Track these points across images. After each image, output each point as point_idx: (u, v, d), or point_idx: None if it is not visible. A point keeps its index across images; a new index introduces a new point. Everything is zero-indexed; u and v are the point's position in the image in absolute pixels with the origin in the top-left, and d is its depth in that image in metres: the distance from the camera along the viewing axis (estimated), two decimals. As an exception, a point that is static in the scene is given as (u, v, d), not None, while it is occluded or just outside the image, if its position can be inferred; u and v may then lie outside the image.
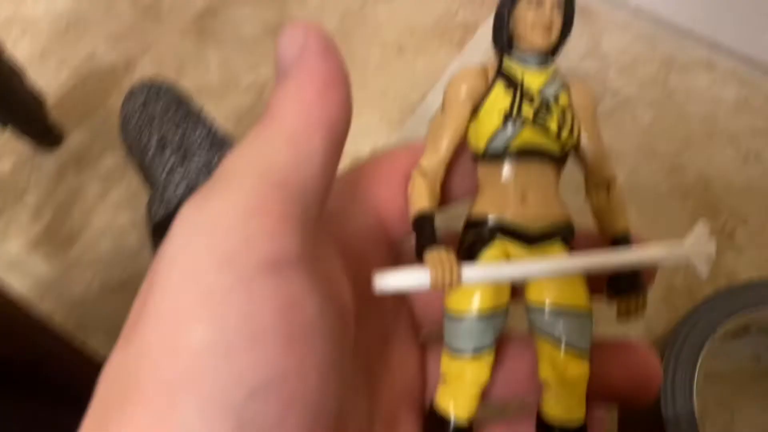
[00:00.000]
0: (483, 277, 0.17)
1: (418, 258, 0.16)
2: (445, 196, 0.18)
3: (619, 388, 0.17)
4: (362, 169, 0.18)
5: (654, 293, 0.39)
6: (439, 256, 0.16)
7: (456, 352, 0.17)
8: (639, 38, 0.48)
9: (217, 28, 0.50)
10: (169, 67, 0.49)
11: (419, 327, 0.20)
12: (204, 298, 0.12)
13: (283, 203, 0.14)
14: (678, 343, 0.32)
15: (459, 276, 0.16)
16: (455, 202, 0.19)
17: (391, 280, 0.16)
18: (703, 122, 0.45)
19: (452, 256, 0.16)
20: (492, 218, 0.17)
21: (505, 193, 0.17)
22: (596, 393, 0.17)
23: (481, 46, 0.49)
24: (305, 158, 0.14)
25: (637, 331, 0.39)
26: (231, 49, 0.49)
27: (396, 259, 0.19)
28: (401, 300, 0.19)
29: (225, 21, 0.50)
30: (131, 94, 0.40)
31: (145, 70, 0.49)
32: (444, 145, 0.17)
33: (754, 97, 0.46)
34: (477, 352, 0.17)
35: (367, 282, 0.16)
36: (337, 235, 0.17)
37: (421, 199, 0.17)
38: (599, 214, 0.18)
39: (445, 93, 0.18)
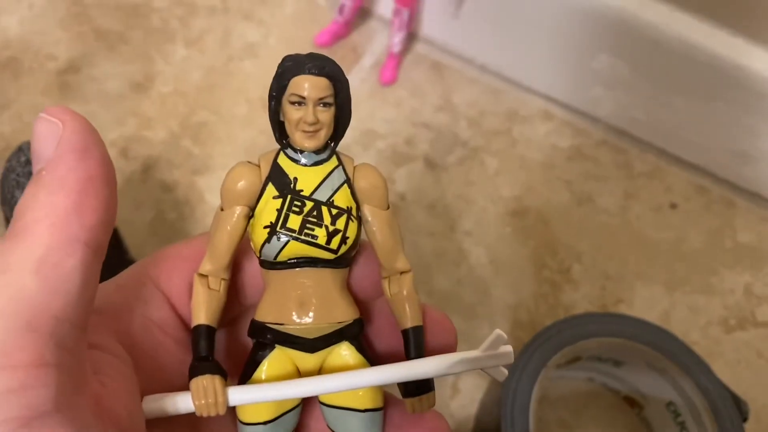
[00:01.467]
0: (250, 400, 0.16)
1: (191, 378, 0.16)
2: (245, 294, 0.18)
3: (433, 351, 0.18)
4: (149, 262, 0.17)
5: (501, 326, 0.43)
6: (203, 383, 0.16)
7: None
8: (486, 92, 0.53)
9: (80, 85, 0.50)
10: (30, 124, 0.48)
11: None
12: None
13: (35, 349, 0.12)
14: (517, 372, 0.36)
15: (224, 403, 0.16)
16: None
17: (158, 405, 0.16)
18: (542, 168, 0.50)
19: (217, 381, 0.16)
20: (270, 326, 0.17)
21: (283, 300, 0.17)
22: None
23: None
24: (59, 286, 0.13)
25: (487, 363, 0.42)
26: (95, 105, 0.49)
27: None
28: None
29: (88, 77, 0.51)
30: (20, 150, 0.41)
31: (3, 127, 0.48)
32: (223, 250, 0.17)
33: (585, 145, 0.52)
34: None
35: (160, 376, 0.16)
36: (123, 332, 0.16)
37: (198, 312, 0.17)
38: (392, 304, 0.18)
39: (222, 190, 0.17)
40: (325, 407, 0.17)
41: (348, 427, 0.17)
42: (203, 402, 0.16)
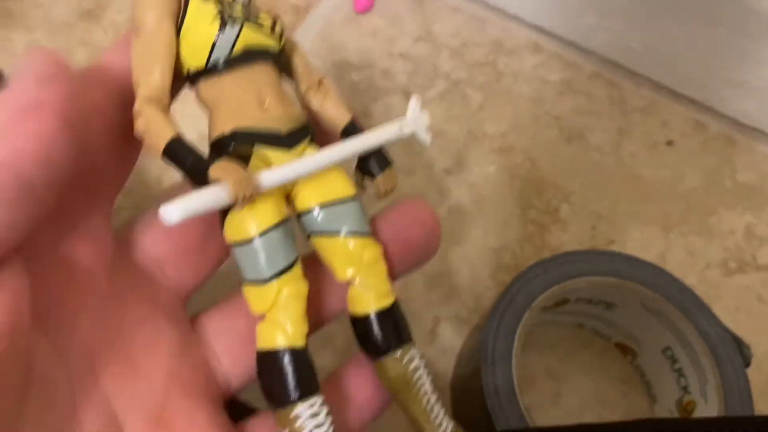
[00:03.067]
0: (281, 178, 0.16)
1: (198, 183, 0.15)
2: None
3: (412, 242, 0.19)
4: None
5: (482, 271, 0.40)
6: (228, 167, 0.15)
7: (263, 281, 0.16)
8: (469, 22, 0.49)
9: (23, 11, 0.46)
10: (-32, 53, 0.44)
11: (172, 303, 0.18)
12: None
13: None
14: (497, 315, 0.32)
15: (257, 183, 0.15)
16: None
17: (183, 206, 0.14)
18: (530, 103, 0.46)
19: (239, 166, 0.15)
20: (239, 130, 0.16)
21: (241, 103, 0.16)
22: (396, 261, 0.18)
23: (314, 27, 0.48)
24: None
25: (468, 307, 0.39)
26: (40, 33, 0.45)
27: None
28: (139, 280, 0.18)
29: (32, 3, 0.46)
30: None
31: (-60, 56, 0.44)
32: (159, 70, 0.15)
33: (577, 78, 0.48)
34: (288, 265, 0.16)
35: None
36: None
37: (164, 128, 0.15)
38: (323, 114, 0.18)
39: (136, 16, 0.16)
40: (309, 216, 0.17)
41: (344, 220, 0.17)
42: (237, 183, 0.14)
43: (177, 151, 0.15)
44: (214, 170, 0.14)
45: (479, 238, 0.41)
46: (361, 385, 0.19)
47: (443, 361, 0.37)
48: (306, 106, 0.18)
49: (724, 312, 0.40)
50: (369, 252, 0.17)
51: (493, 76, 0.47)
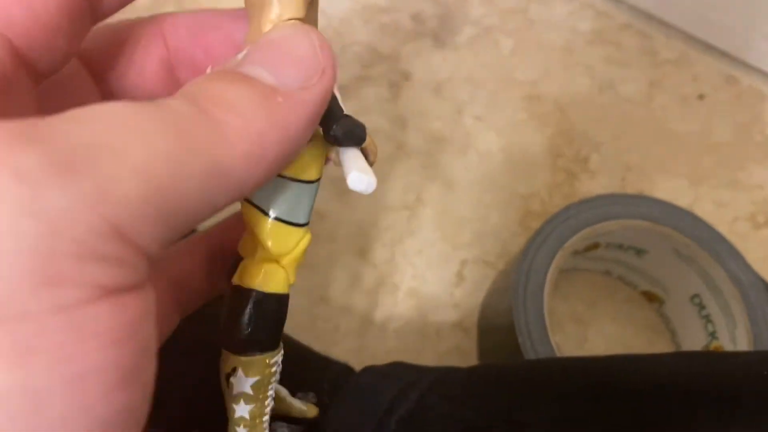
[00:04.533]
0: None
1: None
2: None
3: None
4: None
5: (511, 216, 0.40)
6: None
7: (298, 225, 0.16)
8: (500, -31, 0.48)
9: None
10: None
11: None
12: None
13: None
14: (530, 255, 0.32)
15: None
16: None
17: (369, 172, 0.15)
18: (561, 52, 0.46)
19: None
20: None
21: None
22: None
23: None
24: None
25: (495, 252, 0.39)
26: None
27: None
28: None
29: None
30: None
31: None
32: None
33: (608, 28, 0.47)
34: (309, 220, 0.17)
35: None
36: None
37: None
38: None
39: None
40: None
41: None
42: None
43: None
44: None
45: (508, 184, 0.41)
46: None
47: (469, 302, 0.37)
48: None
49: (753, 264, 0.40)
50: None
51: (524, 23, 0.46)
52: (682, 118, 0.45)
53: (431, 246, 0.39)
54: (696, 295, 0.35)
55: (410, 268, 0.38)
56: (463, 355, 0.36)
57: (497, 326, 0.34)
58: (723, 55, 0.47)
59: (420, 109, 0.43)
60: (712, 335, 0.35)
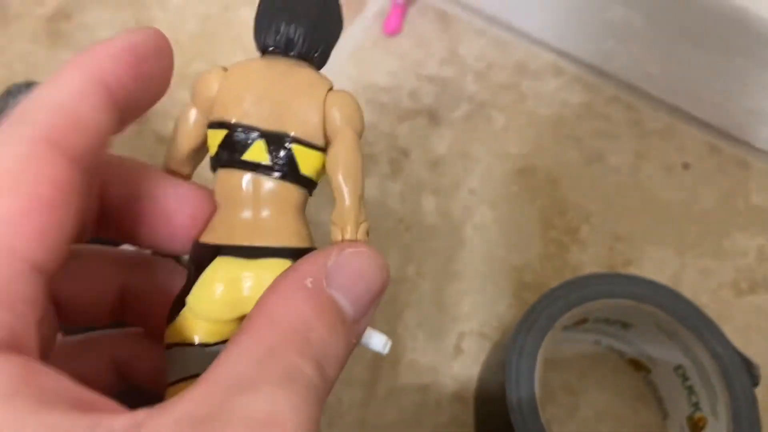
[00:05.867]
0: None
1: None
2: None
3: None
4: None
5: (506, 287, 0.42)
6: None
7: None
8: (493, 45, 0.51)
9: (70, 32, 0.48)
10: (19, 71, 0.47)
11: None
12: None
13: None
14: (521, 335, 0.34)
15: None
16: None
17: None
18: (552, 125, 0.48)
19: None
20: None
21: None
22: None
23: (345, 49, 0.50)
24: None
25: (491, 324, 0.41)
26: (86, 53, 0.47)
27: None
28: None
29: (79, 25, 0.49)
30: (7, 92, 0.40)
31: (-8, 74, 0.46)
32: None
33: (596, 101, 0.50)
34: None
35: None
36: None
37: None
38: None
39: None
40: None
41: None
42: None
43: None
44: None
45: (502, 256, 0.43)
46: None
47: (467, 374, 0.40)
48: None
49: (735, 331, 0.42)
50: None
51: (516, 97, 0.49)
52: (668, 186, 0.47)
53: (431, 318, 0.41)
54: (679, 366, 0.37)
55: (410, 341, 0.40)
56: (462, 426, 0.38)
57: (493, 398, 0.36)
58: (707, 126, 0.49)
59: (418, 184, 0.45)
60: (696, 406, 0.37)
